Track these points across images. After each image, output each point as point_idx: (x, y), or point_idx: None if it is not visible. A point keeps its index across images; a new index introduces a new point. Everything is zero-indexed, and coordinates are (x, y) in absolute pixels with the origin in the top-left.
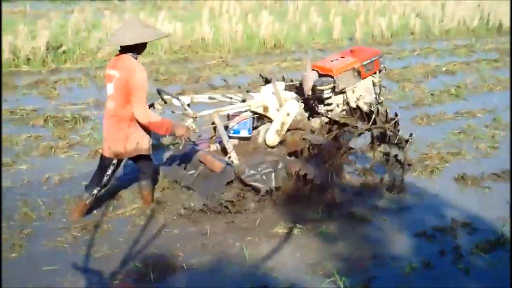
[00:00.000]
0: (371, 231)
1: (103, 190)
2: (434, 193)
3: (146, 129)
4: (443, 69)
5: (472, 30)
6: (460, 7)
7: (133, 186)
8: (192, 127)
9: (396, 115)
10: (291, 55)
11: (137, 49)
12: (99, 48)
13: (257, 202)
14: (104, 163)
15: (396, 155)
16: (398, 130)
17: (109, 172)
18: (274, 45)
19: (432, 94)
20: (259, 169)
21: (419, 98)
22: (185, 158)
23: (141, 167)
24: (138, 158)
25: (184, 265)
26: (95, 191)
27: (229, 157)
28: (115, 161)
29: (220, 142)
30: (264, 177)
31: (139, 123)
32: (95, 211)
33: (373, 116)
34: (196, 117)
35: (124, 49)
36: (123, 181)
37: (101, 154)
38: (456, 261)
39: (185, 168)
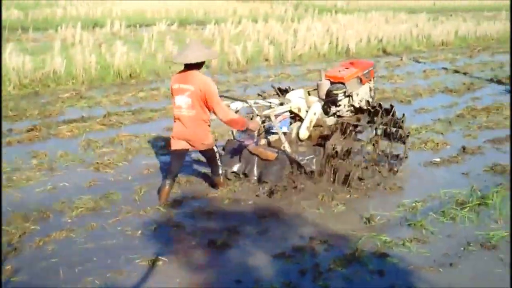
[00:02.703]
0: (233, 257)
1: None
2: (292, 213)
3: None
4: None
5: (323, 55)
6: (310, 32)
7: None
8: (259, 123)
9: (391, 106)
10: (147, 85)
11: (200, 65)
12: None
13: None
14: (180, 156)
15: (399, 133)
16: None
17: (182, 161)
18: (130, 75)
19: None
20: (304, 156)
21: None
22: (238, 152)
23: (211, 160)
24: (206, 151)
25: None
26: (175, 179)
27: (283, 146)
28: (186, 153)
29: (266, 138)
30: (308, 161)
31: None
32: None
33: (380, 111)
34: (261, 115)
35: (190, 67)
36: None
37: (175, 150)
38: (315, 279)
39: (239, 161)
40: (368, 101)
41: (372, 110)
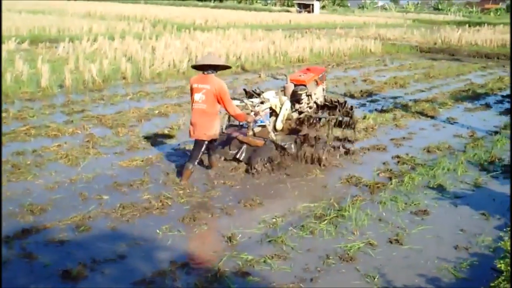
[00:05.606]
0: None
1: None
2: (151, 237)
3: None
4: (156, 112)
5: (182, 72)
6: (169, 50)
7: None
8: (254, 117)
9: (345, 101)
10: None
11: (216, 70)
12: None
13: None
14: (199, 144)
15: (349, 121)
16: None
17: (203, 149)
18: None
19: (145, 138)
20: (285, 142)
21: (133, 143)
22: (228, 141)
23: (211, 146)
24: (211, 141)
25: None
26: (196, 163)
27: (270, 135)
28: (206, 142)
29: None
30: (288, 145)
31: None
32: None
33: (338, 106)
34: (254, 111)
35: (208, 70)
36: None
37: (196, 139)
38: None
39: (229, 149)
40: (325, 99)
41: (329, 105)
